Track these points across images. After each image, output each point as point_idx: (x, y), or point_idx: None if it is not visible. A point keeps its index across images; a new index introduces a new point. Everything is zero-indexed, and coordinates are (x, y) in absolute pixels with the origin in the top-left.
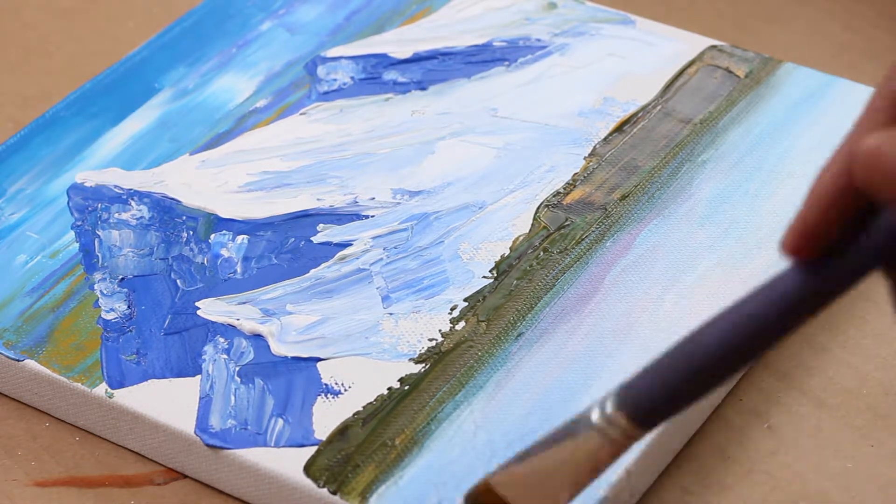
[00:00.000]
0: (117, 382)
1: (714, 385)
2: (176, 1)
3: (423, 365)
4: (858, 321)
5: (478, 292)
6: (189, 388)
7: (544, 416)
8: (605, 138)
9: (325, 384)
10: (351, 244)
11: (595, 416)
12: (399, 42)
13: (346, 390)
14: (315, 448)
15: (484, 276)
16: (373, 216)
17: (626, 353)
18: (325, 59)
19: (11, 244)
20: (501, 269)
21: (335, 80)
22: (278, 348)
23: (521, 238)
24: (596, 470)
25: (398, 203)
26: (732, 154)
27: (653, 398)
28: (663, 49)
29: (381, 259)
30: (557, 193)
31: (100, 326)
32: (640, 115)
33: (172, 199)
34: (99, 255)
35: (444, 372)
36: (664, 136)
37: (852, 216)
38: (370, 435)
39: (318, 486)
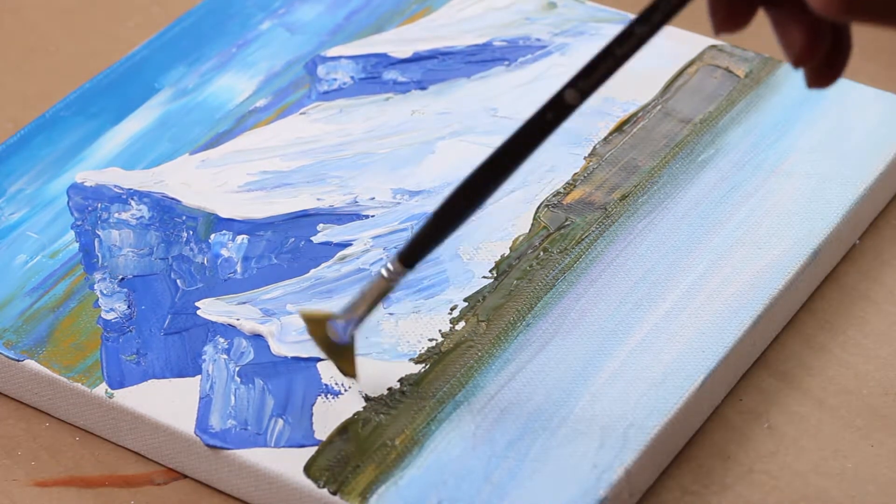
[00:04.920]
0: (117, 382)
1: (452, 220)
2: (176, 1)
3: (423, 365)
4: (858, 321)
5: (478, 292)
6: (189, 388)
7: (544, 417)
8: (605, 138)
9: (325, 384)
10: (351, 244)
11: (382, 270)
12: (399, 42)
13: (346, 391)
14: (315, 448)
15: (484, 277)
16: (373, 216)
17: (625, 353)
18: (325, 59)
19: (11, 244)
20: (501, 269)
21: (335, 79)
22: (278, 348)
23: (521, 238)
24: (373, 296)
25: (398, 203)
26: (732, 154)
27: (412, 241)
28: (663, 49)
29: (382, 259)
30: (557, 193)
31: (100, 326)
32: (640, 115)
33: (172, 198)
34: (99, 254)
35: (444, 372)
36: (664, 136)
37: None
38: (370, 435)
39: (318, 487)
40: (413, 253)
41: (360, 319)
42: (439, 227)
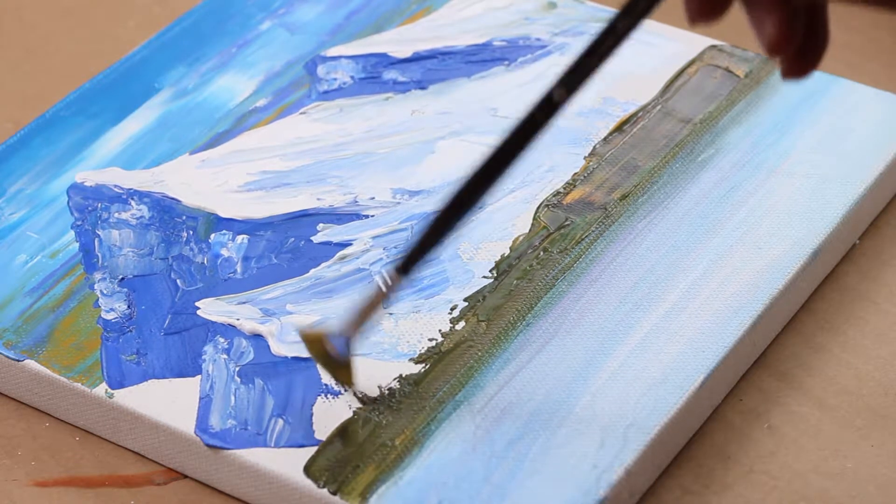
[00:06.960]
0: (117, 382)
1: (441, 229)
2: (176, 1)
3: (423, 365)
4: (858, 321)
5: (478, 292)
6: (189, 388)
7: (544, 417)
8: (604, 138)
9: (325, 385)
10: (351, 244)
11: (378, 279)
12: (399, 41)
13: (346, 391)
14: (315, 448)
15: (484, 276)
16: (373, 216)
17: (625, 353)
18: (325, 59)
19: (11, 244)
20: (501, 268)
21: (335, 79)
22: (278, 348)
23: (521, 238)
24: (372, 308)
25: (398, 203)
26: (732, 154)
27: (408, 250)
28: (663, 49)
29: (381, 259)
30: (557, 193)
31: (100, 326)
32: (639, 114)
33: (172, 198)
34: (99, 254)
35: (444, 372)
36: (664, 135)
37: None
38: (370, 436)
39: (318, 487)
40: (410, 261)
41: (360, 332)
42: (435, 234)
